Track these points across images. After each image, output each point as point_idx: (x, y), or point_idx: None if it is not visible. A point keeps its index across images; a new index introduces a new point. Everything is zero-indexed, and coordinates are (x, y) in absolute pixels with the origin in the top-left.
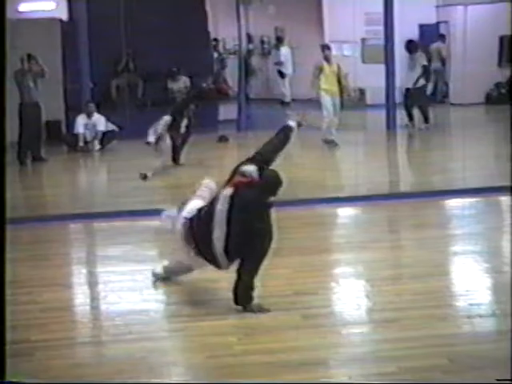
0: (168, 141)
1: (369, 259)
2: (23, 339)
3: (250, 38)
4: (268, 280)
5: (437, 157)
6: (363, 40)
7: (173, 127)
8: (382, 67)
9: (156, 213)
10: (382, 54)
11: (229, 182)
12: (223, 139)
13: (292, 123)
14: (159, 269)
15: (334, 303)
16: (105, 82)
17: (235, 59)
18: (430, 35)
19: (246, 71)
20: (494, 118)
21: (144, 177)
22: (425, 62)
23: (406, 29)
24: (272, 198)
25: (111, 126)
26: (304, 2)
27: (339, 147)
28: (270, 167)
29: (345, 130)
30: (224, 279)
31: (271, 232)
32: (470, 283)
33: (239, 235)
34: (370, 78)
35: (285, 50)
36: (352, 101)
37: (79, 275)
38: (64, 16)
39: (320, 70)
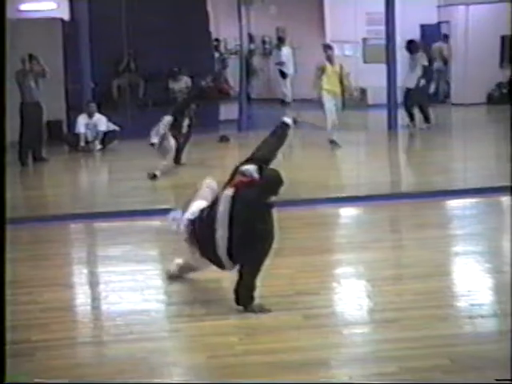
0: (172, 140)
1: (370, 259)
2: (24, 339)
3: (251, 38)
4: (269, 280)
5: (438, 157)
6: (364, 40)
7: (174, 127)
8: (383, 67)
9: (157, 213)
10: (383, 53)
11: (229, 182)
12: (224, 139)
13: (288, 120)
14: (173, 267)
15: (335, 303)
16: (106, 82)
17: (236, 59)
18: (432, 35)
19: (248, 71)
20: (495, 119)
21: (153, 176)
22: (425, 63)
23: (407, 29)
24: (273, 198)
25: (112, 126)
26: (305, 2)
27: (340, 147)
28: (270, 166)
29: (346, 129)
30: (225, 279)
31: (273, 232)
32: (471, 283)
33: (241, 235)
34: (372, 78)
35: (286, 50)
36: (353, 101)
37: (80, 275)
38: (65, 16)
39: (322, 70)
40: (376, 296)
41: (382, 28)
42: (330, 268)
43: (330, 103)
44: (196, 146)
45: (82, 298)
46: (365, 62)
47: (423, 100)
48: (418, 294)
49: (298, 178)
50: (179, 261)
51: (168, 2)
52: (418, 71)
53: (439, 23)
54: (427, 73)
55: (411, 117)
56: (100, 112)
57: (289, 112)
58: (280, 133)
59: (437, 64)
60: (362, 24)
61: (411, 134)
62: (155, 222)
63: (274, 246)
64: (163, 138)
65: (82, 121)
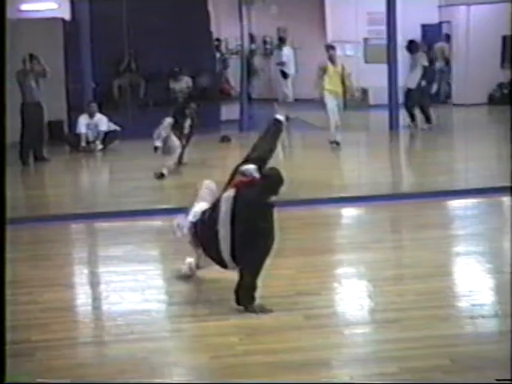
0: (175, 139)
1: (371, 260)
2: (24, 339)
3: (252, 38)
4: (270, 280)
5: (439, 157)
6: (366, 40)
7: (176, 128)
8: (384, 67)
9: (158, 213)
10: (384, 53)
11: (229, 183)
12: (225, 139)
13: (280, 116)
14: (185, 266)
15: (336, 304)
16: (107, 82)
17: (237, 59)
18: (433, 35)
19: (249, 71)
20: (496, 119)
21: (160, 175)
22: (425, 63)
23: (408, 29)
24: (274, 197)
25: (113, 126)
26: (306, 2)
27: (340, 149)
28: (268, 164)
29: (347, 130)
30: (226, 280)
31: (273, 232)
32: (473, 284)
33: (242, 235)
34: (373, 78)
35: (287, 51)
36: (355, 101)
37: (80, 275)
38: (66, 16)
39: (324, 70)
40: (377, 296)
41: (383, 28)
42: (330, 268)
43: (331, 103)
44: (197, 146)
45: (82, 298)
46: (366, 62)
47: (424, 100)
48: (419, 294)
49: (299, 178)
50: (190, 260)
51: (169, 2)
52: (419, 71)
53: (440, 23)
54: (427, 73)
55: (412, 117)
56: (101, 112)
57: (277, 106)
58: (273, 130)
59: (439, 64)
60: (363, 24)
61: (412, 135)
62: (156, 222)
63: (275, 246)
64: (166, 139)
65: (82, 121)
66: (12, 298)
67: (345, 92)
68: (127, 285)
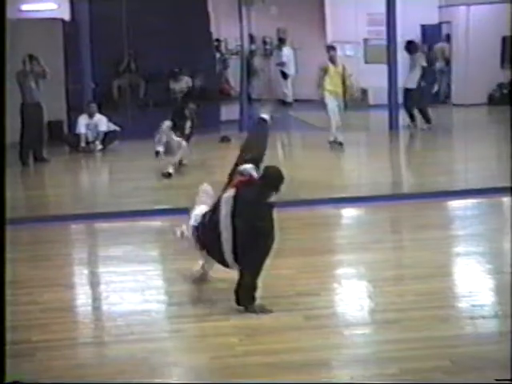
0: (177, 138)
1: (371, 260)
2: (24, 340)
3: (252, 39)
4: (270, 281)
5: (439, 157)
6: (365, 40)
7: (177, 129)
8: (384, 67)
9: (158, 213)
10: (384, 54)
11: (228, 184)
12: (225, 140)
13: (265, 115)
14: (197, 267)
15: (336, 304)
16: (107, 83)
17: (237, 60)
18: (433, 36)
19: (248, 72)
20: (496, 119)
21: (168, 175)
22: (424, 63)
23: (408, 29)
24: (275, 196)
25: (113, 127)
26: (306, 3)
27: (343, 150)
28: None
29: (347, 130)
30: (225, 280)
31: (273, 232)
32: (473, 284)
33: (243, 235)
34: (373, 79)
35: (287, 51)
36: (355, 101)
37: (80, 276)
38: (66, 16)
39: (324, 70)
40: (377, 297)
41: (383, 28)
42: (330, 269)
43: (332, 104)
44: (197, 146)
45: (82, 298)
46: (366, 62)
47: (422, 101)
48: (420, 294)
49: (299, 179)
50: (202, 262)
51: (169, 3)
52: (417, 72)
53: (440, 24)
54: (426, 74)
55: (412, 117)
56: (101, 112)
57: (260, 106)
58: (260, 129)
59: (439, 64)
60: (362, 24)
61: (412, 135)
62: (156, 223)
63: (275, 246)
64: (167, 143)
65: (82, 121)
66: (12, 299)
67: (345, 92)
68: (127, 285)
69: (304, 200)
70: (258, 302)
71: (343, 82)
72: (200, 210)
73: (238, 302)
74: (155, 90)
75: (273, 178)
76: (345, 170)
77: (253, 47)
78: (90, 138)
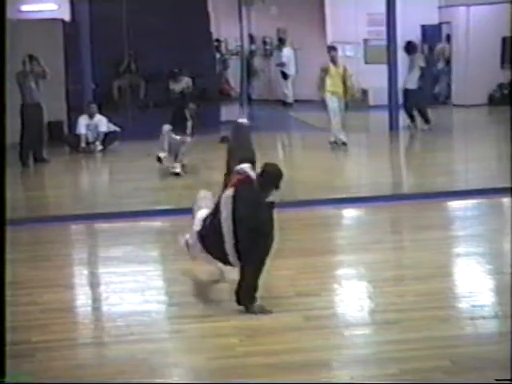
0: (178, 137)
1: (371, 260)
2: (24, 340)
3: (252, 39)
4: (270, 281)
5: (439, 158)
6: (365, 41)
7: (178, 131)
8: (384, 68)
9: (158, 214)
10: (384, 54)
11: (225, 186)
12: (225, 140)
13: (242, 120)
14: (218, 271)
15: (336, 304)
16: (107, 83)
17: (237, 60)
18: (433, 36)
19: (248, 72)
20: (496, 120)
21: (176, 174)
22: (422, 64)
23: (408, 29)
24: (274, 196)
25: (113, 127)
26: (306, 3)
27: (346, 150)
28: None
29: (347, 130)
30: (225, 281)
31: (273, 231)
32: (473, 285)
33: (243, 234)
34: (373, 79)
35: (287, 51)
36: (355, 102)
37: (80, 276)
38: (66, 17)
39: (326, 71)
40: (377, 297)
41: (383, 29)
42: (330, 269)
43: (333, 104)
44: (197, 146)
45: (82, 299)
46: (366, 62)
47: (421, 101)
48: (420, 295)
49: (299, 179)
50: (219, 264)
51: (169, 3)
52: (416, 72)
53: (440, 24)
54: (425, 74)
55: (412, 118)
56: (101, 113)
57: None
58: (239, 134)
59: (440, 65)
60: (362, 25)
61: (412, 135)
62: (156, 223)
63: (275, 246)
64: (170, 146)
65: (82, 122)
66: (12, 299)
67: (346, 93)
68: (127, 286)
69: (304, 200)
70: (257, 302)
71: (344, 83)
72: (201, 214)
73: (239, 302)
74: (155, 91)
75: (272, 175)
76: (345, 171)
77: (253, 47)
78: (90, 139)
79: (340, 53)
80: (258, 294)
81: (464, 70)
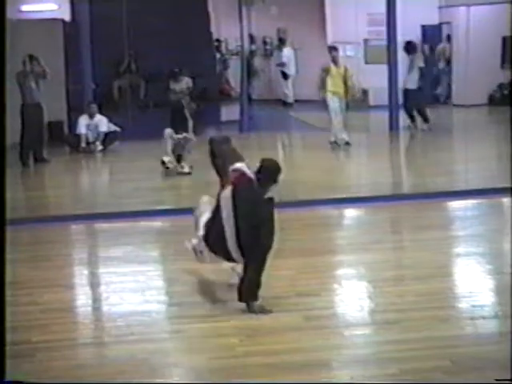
0: (180, 136)
1: (371, 260)
2: (24, 340)
3: (252, 39)
4: (270, 281)
5: (439, 158)
6: (366, 41)
7: (180, 131)
8: (384, 68)
9: (158, 214)
10: (384, 54)
11: (222, 185)
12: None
13: (214, 136)
14: (235, 275)
15: (336, 304)
16: (107, 83)
17: (237, 60)
18: (433, 36)
19: (249, 72)
20: (496, 120)
21: (188, 173)
22: (421, 64)
23: (408, 29)
24: (272, 193)
25: (113, 127)
26: (306, 3)
27: (345, 149)
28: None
29: (348, 131)
30: (226, 281)
31: (273, 227)
32: (473, 285)
33: (244, 230)
34: (373, 79)
35: (287, 51)
36: (355, 102)
37: (80, 276)
38: (66, 17)
39: (327, 71)
40: (377, 297)
41: (384, 29)
42: (331, 269)
43: (334, 105)
44: (197, 146)
45: (82, 299)
46: (366, 62)
47: (420, 101)
48: (420, 295)
49: (300, 179)
50: (235, 267)
51: (169, 3)
52: (415, 72)
53: (440, 24)
54: (424, 74)
55: (412, 118)
56: (101, 113)
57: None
58: (216, 148)
59: (441, 65)
60: (363, 25)
61: (412, 135)
62: (156, 223)
63: (275, 246)
64: (175, 144)
65: (82, 122)
66: (12, 299)
67: (347, 93)
68: (127, 286)
69: (304, 200)
70: (258, 302)
71: (345, 83)
72: (204, 218)
73: (241, 298)
74: (155, 91)
75: (270, 170)
76: (345, 171)
77: (253, 47)
78: (91, 139)
79: (340, 53)
80: (259, 294)
81: (464, 70)
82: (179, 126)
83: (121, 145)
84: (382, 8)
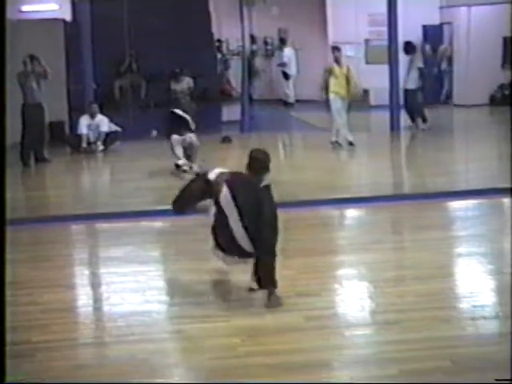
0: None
1: (371, 261)
2: (24, 340)
3: (253, 39)
4: None
5: (440, 158)
6: (367, 41)
7: (182, 132)
8: (385, 68)
9: (159, 214)
10: (385, 54)
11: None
12: (226, 140)
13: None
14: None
15: (336, 305)
16: (108, 83)
17: (239, 60)
18: (434, 36)
19: (250, 72)
20: (497, 120)
21: (197, 174)
22: (420, 64)
23: (409, 30)
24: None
25: (114, 127)
26: (307, 3)
27: (343, 149)
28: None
29: (348, 130)
30: (227, 281)
31: (275, 210)
32: (474, 285)
33: (251, 221)
34: (374, 79)
35: (288, 51)
36: (356, 102)
37: (81, 276)
38: (67, 17)
39: (330, 72)
40: (378, 297)
41: (384, 29)
42: (331, 269)
43: (337, 105)
44: (198, 146)
45: (83, 299)
46: (367, 62)
47: (419, 101)
48: (420, 295)
49: (300, 179)
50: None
51: (170, 3)
52: (414, 73)
53: (441, 24)
54: (424, 74)
55: (412, 118)
56: (102, 113)
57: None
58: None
59: (443, 65)
60: (364, 25)
61: (413, 135)
62: (157, 223)
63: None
64: (184, 148)
65: (83, 122)
66: (12, 299)
67: (349, 92)
68: (128, 286)
69: (305, 201)
70: (260, 301)
71: (347, 83)
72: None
73: (260, 285)
74: (156, 91)
75: (260, 159)
76: (346, 171)
77: (254, 48)
78: (92, 139)
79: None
80: (259, 294)
81: (465, 70)
82: (181, 127)
83: (122, 145)
84: (383, 8)
